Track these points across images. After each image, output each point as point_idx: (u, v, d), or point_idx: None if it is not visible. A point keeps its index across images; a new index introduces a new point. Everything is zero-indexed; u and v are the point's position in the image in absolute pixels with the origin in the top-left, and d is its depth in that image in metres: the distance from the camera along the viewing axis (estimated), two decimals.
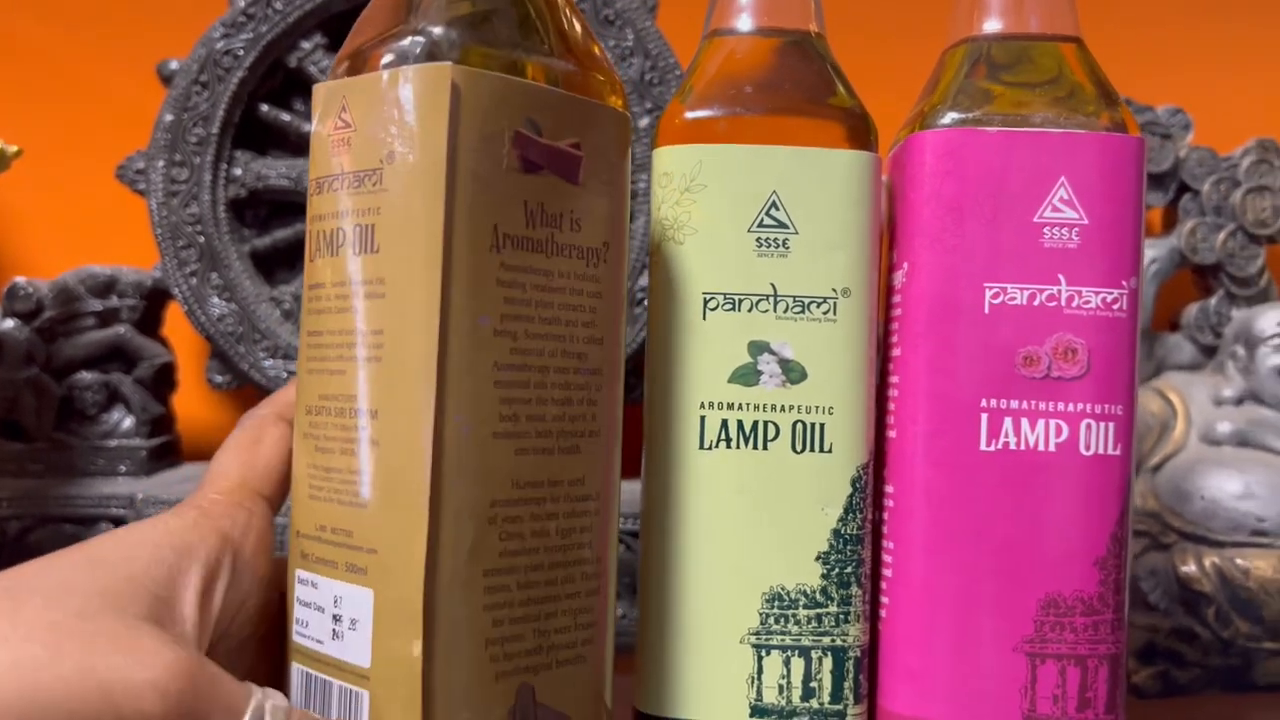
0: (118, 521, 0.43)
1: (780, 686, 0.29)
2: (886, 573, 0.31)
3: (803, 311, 0.30)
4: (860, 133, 0.31)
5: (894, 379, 0.31)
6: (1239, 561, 0.42)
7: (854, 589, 0.30)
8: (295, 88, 0.47)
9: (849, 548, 0.30)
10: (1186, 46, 0.55)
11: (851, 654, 0.30)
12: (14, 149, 0.40)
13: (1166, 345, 0.51)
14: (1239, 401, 0.47)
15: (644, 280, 0.46)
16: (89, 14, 0.53)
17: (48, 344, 0.45)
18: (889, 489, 0.31)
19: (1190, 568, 0.42)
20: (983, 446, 0.30)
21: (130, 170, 0.45)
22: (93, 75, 0.53)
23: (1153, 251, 0.50)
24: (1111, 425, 0.30)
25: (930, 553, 0.30)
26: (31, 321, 0.45)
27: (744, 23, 0.32)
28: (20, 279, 0.45)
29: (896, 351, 0.31)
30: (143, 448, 0.45)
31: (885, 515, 0.31)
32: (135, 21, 0.53)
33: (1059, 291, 0.30)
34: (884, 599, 0.31)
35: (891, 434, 0.31)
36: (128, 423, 0.45)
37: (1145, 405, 0.48)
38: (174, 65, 0.46)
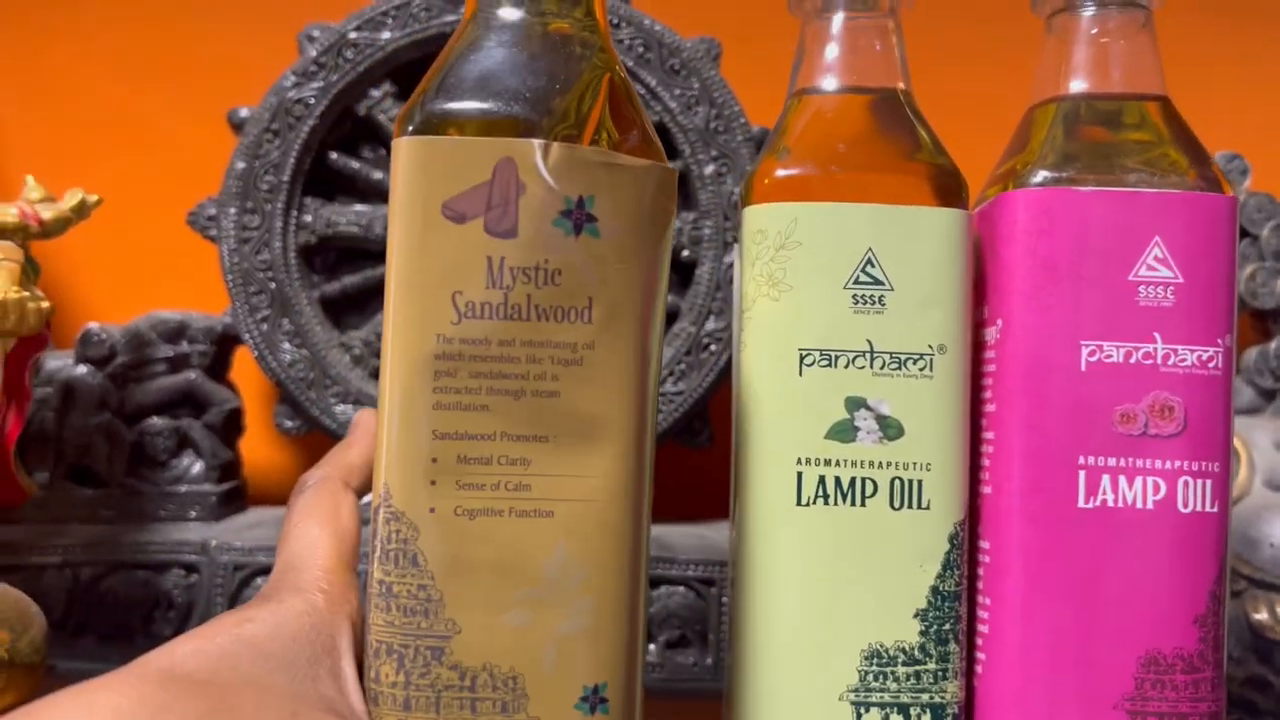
0: (189, 568, 0.43)
1: None
2: (983, 629, 0.31)
3: (899, 368, 0.30)
4: (952, 190, 0.31)
5: (988, 435, 0.31)
6: None
7: (952, 646, 0.30)
8: (364, 135, 0.48)
9: (947, 605, 0.30)
10: (1243, 93, 0.56)
11: (950, 710, 0.30)
12: (94, 198, 0.41)
13: None
14: None
15: (709, 325, 0.46)
16: (159, 64, 0.54)
17: (120, 389, 0.45)
18: (984, 545, 0.31)
19: (1263, 615, 0.42)
20: (1080, 504, 0.30)
21: (202, 217, 0.46)
22: (163, 123, 0.53)
23: None
24: (1209, 482, 0.30)
25: (1027, 610, 0.30)
26: (104, 367, 0.45)
27: (830, 82, 0.33)
28: (93, 325, 0.45)
29: (991, 408, 0.31)
30: (212, 493, 0.45)
31: (981, 571, 0.31)
32: (205, 70, 0.54)
33: (1155, 349, 0.30)
34: (980, 655, 0.31)
35: (987, 490, 0.31)
36: (198, 468, 0.45)
37: None
38: (245, 113, 0.46)
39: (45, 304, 0.35)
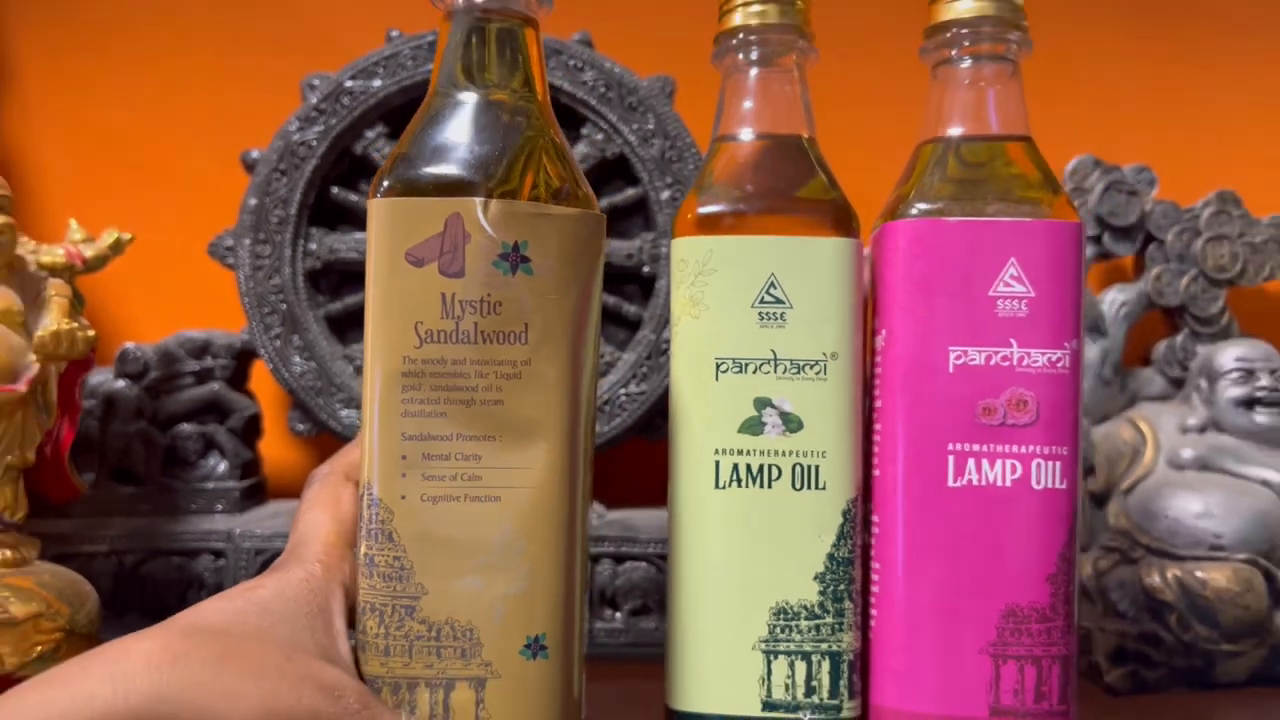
0: (217, 553, 0.49)
1: (786, 685, 0.36)
2: (875, 589, 0.37)
3: (799, 372, 0.36)
4: (843, 222, 0.37)
5: (877, 426, 0.37)
6: (1198, 574, 0.48)
7: (846, 603, 0.36)
8: (361, 171, 0.54)
9: (841, 569, 0.36)
10: (1153, 110, 0.61)
11: (846, 658, 0.36)
12: (128, 236, 0.47)
13: (1139, 379, 0.56)
14: (1202, 429, 0.53)
15: (667, 333, 0.52)
16: (180, 112, 0.61)
17: (153, 400, 0.52)
18: (875, 518, 0.37)
19: (1155, 579, 0.48)
20: (950, 483, 0.36)
21: (220, 247, 0.52)
22: (184, 165, 0.60)
23: (1124, 295, 0.56)
24: (1058, 464, 0.36)
25: (908, 572, 0.36)
26: (139, 381, 0.52)
27: (745, 132, 0.38)
28: (130, 344, 0.52)
29: (879, 403, 0.37)
30: (236, 488, 0.52)
31: (873, 540, 0.37)
32: (220, 117, 0.60)
33: (1011, 353, 0.36)
34: (873, 612, 0.37)
35: (876, 472, 0.37)
36: (222, 467, 0.52)
37: (1118, 434, 0.53)
38: (255, 155, 0.53)
39: (91, 332, 0.41)
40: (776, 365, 0.36)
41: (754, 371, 0.36)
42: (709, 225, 0.37)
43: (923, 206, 0.37)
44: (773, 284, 0.36)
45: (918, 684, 0.36)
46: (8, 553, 0.39)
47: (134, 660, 0.25)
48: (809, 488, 0.36)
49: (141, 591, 0.49)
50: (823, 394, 0.36)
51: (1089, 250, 0.56)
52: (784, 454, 0.36)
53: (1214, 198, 0.56)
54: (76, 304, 0.43)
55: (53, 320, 0.40)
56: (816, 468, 0.36)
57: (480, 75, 0.33)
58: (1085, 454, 0.51)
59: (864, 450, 0.37)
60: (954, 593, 0.35)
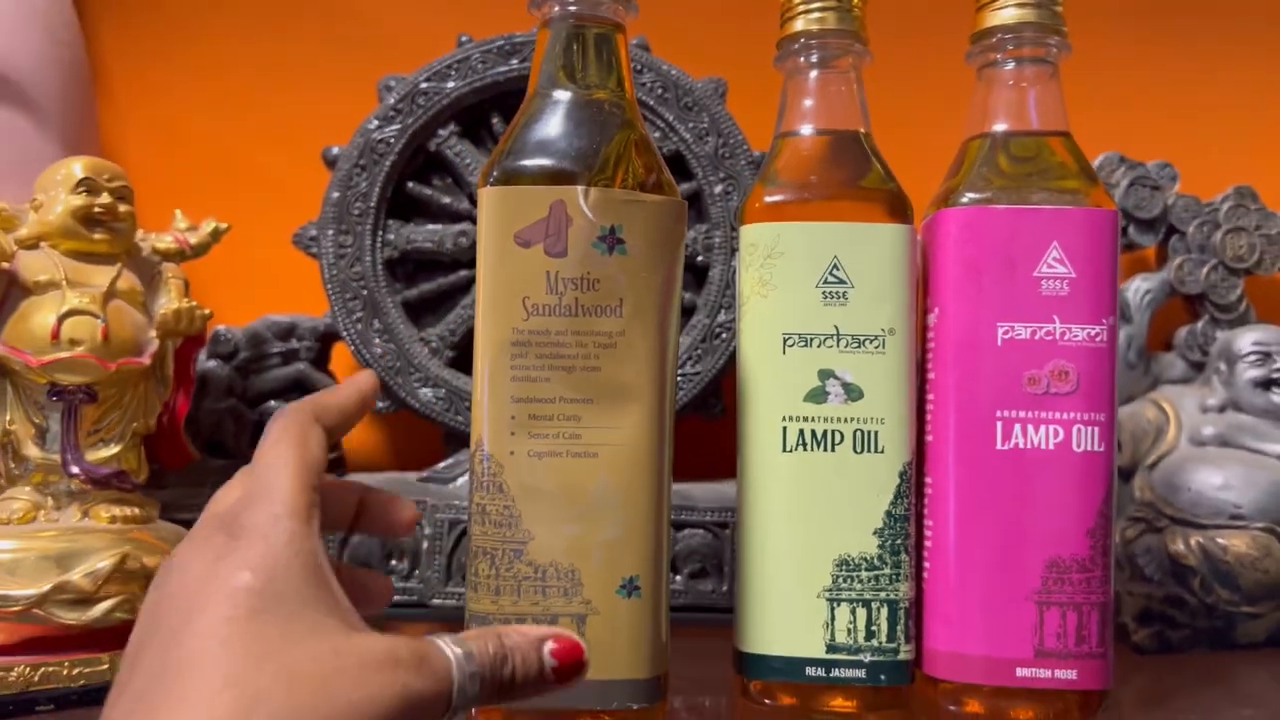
0: None
1: (848, 630, 0.39)
2: (928, 544, 0.41)
3: (859, 346, 0.40)
4: (899, 210, 0.40)
5: (930, 396, 0.41)
6: (1219, 540, 0.51)
7: (903, 555, 0.39)
8: (435, 167, 0.58)
9: (898, 524, 0.40)
10: (1175, 110, 0.65)
11: (902, 605, 0.39)
12: (225, 226, 0.51)
13: (1162, 363, 0.60)
14: (1221, 409, 0.56)
15: (720, 317, 0.56)
16: (265, 112, 0.65)
17: (243, 379, 0.55)
18: (929, 480, 0.41)
19: (1179, 546, 0.52)
20: (998, 446, 0.39)
21: (305, 238, 0.56)
22: (269, 162, 0.64)
23: (1147, 284, 0.59)
24: (1096, 429, 0.39)
25: (959, 528, 0.40)
26: (230, 362, 0.55)
27: (806, 128, 0.42)
28: (221, 327, 0.56)
29: (932, 375, 0.41)
30: None
31: (926, 500, 0.41)
32: (302, 117, 0.64)
33: (1054, 329, 0.39)
34: (926, 564, 0.41)
35: (929, 438, 0.41)
36: None
37: (1143, 413, 0.57)
38: (336, 151, 0.57)
39: (206, 310, 0.45)
40: (839, 340, 0.40)
41: (818, 345, 0.40)
42: (776, 213, 0.40)
43: (972, 195, 0.40)
44: (835, 266, 0.40)
45: (968, 629, 0.39)
46: (135, 510, 0.43)
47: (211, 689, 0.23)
48: (868, 451, 0.40)
49: None
50: (881, 366, 0.40)
51: None
52: (845, 420, 0.39)
53: (1232, 192, 0.59)
54: (186, 286, 0.47)
55: (171, 299, 0.44)
56: (875, 433, 0.40)
57: (579, 76, 0.37)
58: None
59: (917, 418, 0.41)
60: (1001, 546, 0.39)
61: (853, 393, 0.40)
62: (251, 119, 0.65)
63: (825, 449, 0.39)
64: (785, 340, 0.40)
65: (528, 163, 0.35)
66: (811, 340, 0.40)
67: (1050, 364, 0.39)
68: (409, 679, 0.25)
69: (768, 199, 0.41)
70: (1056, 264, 0.39)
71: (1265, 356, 0.56)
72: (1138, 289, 0.59)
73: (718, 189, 0.56)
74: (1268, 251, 0.59)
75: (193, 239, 0.48)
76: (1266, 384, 0.55)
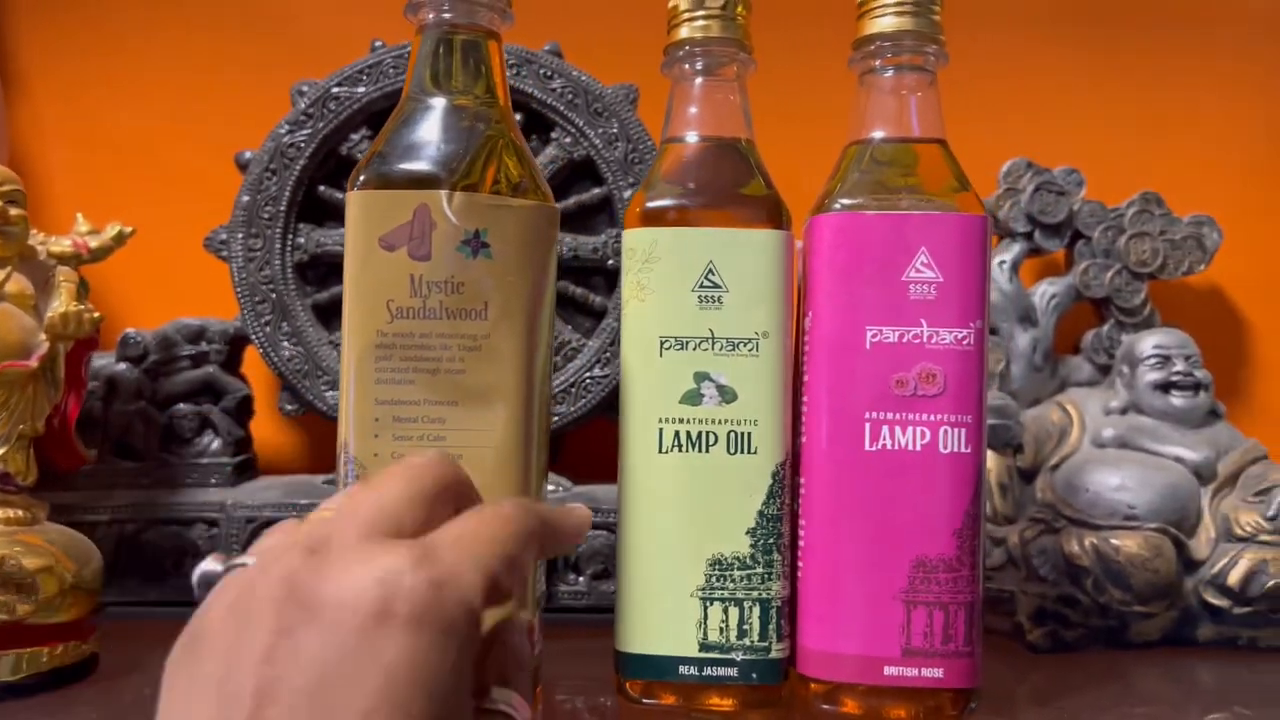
0: (211, 523, 0.54)
1: (721, 629, 0.40)
2: (802, 544, 0.41)
3: (734, 349, 0.40)
4: (775, 216, 0.41)
5: (805, 398, 0.41)
6: (1112, 540, 0.52)
7: (775, 555, 0.40)
8: (345, 171, 0.58)
9: (770, 524, 0.40)
10: (1083, 116, 0.66)
11: (774, 604, 0.40)
12: (130, 229, 0.51)
13: (1069, 366, 0.61)
14: (1123, 411, 0.57)
15: None
16: (178, 113, 0.65)
17: (152, 382, 0.56)
18: (803, 480, 0.41)
19: (1074, 546, 0.52)
20: (867, 447, 0.40)
21: (215, 241, 0.57)
22: (182, 163, 0.64)
23: (1054, 288, 0.60)
24: (963, 430, 0.40)
25: (830, 527, 0.40)
26: (139, 364, 0.56)
27: (690, 135, 0.43)
28: (130, 330, 0.56)
29: (806, 378, 0.41)
30: (229, 464, 0.56)
31: (800, 500, 0.42)
32: (215, 120, 0.64)
33: (921, 332, 0.40)
34: (800, 563, 0.41)
35: (804, 439, 0.41)
36: (216, 444, 0.56)
37: (1048, 416, 0.58)
38: (248, 155, 0.57)
39: (96, 314, 0.46)
40: (714, 343, 0.40)
41: (694, 349, 0.40)
42: (655, 218, 0.41)
43: (844, 201, 0.41)
44: (711, 270, 0.40)
45: (839, 627, 0.40)
46: (20, 512, 0.43)
47: None
48: (742, 452, 0.40)
49: (141, 557, 0.53)
50: (755, 368, 0.40)
51: (1021, 246, 0.60)
52: (720, 422, 0.40)
53: (1138, 198, 0.60)
54: (83, 289, 0.47)
55: (61, 303, 0.45)
56: (749, 434, 0.40)
57: (447, 82, 0.37)
58: (1015, 434, 0.55)
59: (792, 420, 0.42)
60: (871, 545, 0.40)
61: (727, 394, 0.40)
62: (168, 119, 0.65)
63: (700, 450, 0.40)
64: (662, 343, 0.40)
65: (393, 167, 0.36)
66: (687, 343, 0.40)
67: (917, 367, 0.40)
68: None
69: (648, 204, 0.41)
70: (925, 269, 0.40)
71: (1164, 360, 0.56)
72: (1044, 293, 0.60)
73: (628, 194, 0.57)
74: (1171, 256, 0.60)
75: (93, 242, 0.49)
76: (1165, 387, 0.56)
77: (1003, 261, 0.60)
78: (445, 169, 0.36)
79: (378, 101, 0.57)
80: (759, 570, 0.40)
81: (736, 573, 0.40)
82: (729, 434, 0.40)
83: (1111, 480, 0.54)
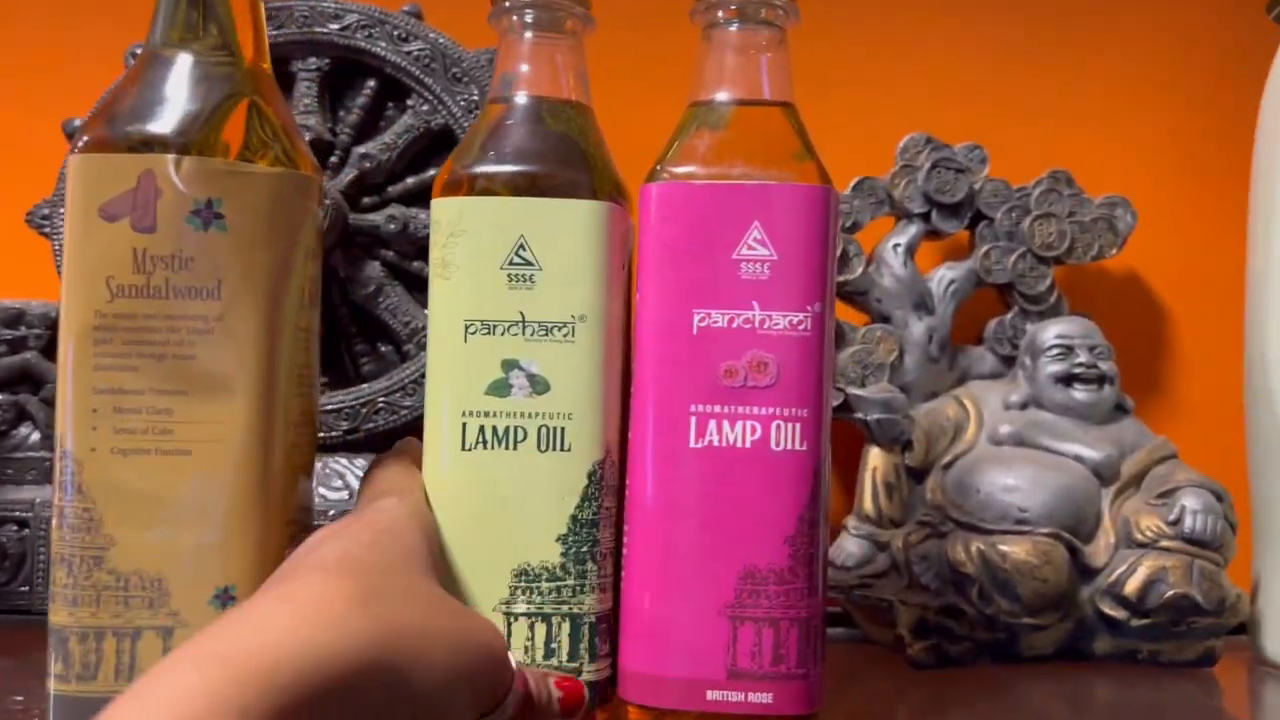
0: (21, 524, 0.49)
1: (526, 648, 0.35)
2: (625, 551, 0.37)
3: (546, 334, 0.36)
4: (602, 186, 0.36)
5: (633, 389, 0.37)
6: (1000, 546, 0.48)
7: (589, 565, 0.36)
8: None
9: (585, 530, 0.36)
10: (986, 89, 0.61)
11: (587, 619, 0.36)
12: None
13: (971, 357, 0.57)
14: (1024, 406, 0.53)
15: None
16: (2, 77, 0.60)
17: None
18: (629, 481, 0.37)
19: (959, 553, 0.48)
20: (691, 444, 0.36)
21: (37, 216, 0.52)
22: (3, 132, 0.59)
23: (952, 273, 0.56)
24: (798, 425, 0.36)
25: (653, 533, 0.36)
26: None
27: (513, 93, 0.38)
28: None
29: (635, 367, 0.37)
30: (47, 458, 0.51)
31: (625, 503, 0.37)
32: (41, 83, 0.60)
33: (753, 315, 0.36)
34: (623, 574, 0.37)
35: (630, 435, 0.37)
36: (35, 437, 0.51)
37: (943, 410, 0.53)
38: (77, 123, 0.52)
39: None
40: (525, 327, 0.36)
41: (502, 333, 0.36)
42: (462, 186, 0.37)
43: (674, 169, 0.37)
44: (522, 246, 0.36)
45: (661, 647, 0.35)
46: None
47: (333, 603, 0.24)
48: (554, 449, 0.36)
49: None
50: (570, 356, 0.36)
51: (918, 228, 0.56)
52: (530, 416, 0.36)
53: (1045, 177, 0.56)
54: None
55: None
56: (562, 429, 0.36)
57: (189, 37, 0.33)
58: (904, 429, 0.51)
59: (620, 413, 0.37)
60: (696, 555, 0.35)
61: (539, 385, 0.36)
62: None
63: (507, 446, 0.36)
64: (467, 327, 0.36)
65: (118, 129, 0.32)
66: (495, 327, 0.36)
67: (748, 354, 0.35)
68: (505, 653, 0.29)
69: (455, 170, 0.37)
70: (758, 245, 0.36)
71: (1068, 350, 0.52)
72: (942, 278, 0.56)
73: None
74: (1079, 239, 0.56)
75: None
76: (1067, 379, 0.52)
77: (897, 244, 0.55)
78: (176, 132, 0.32)
79: None
80: (570, 582, 0.36)
81: (544, 584, 0.36)
82: (540, 429, 0.36)
83: (1004, 480, 0.50)
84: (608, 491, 0.36)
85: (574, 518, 0.36)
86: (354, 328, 0.53)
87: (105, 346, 0.31)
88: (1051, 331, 0.53)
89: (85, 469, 0.31)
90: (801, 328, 0.36)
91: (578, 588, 0.36)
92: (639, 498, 0.36)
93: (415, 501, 0.33)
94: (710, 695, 0.35)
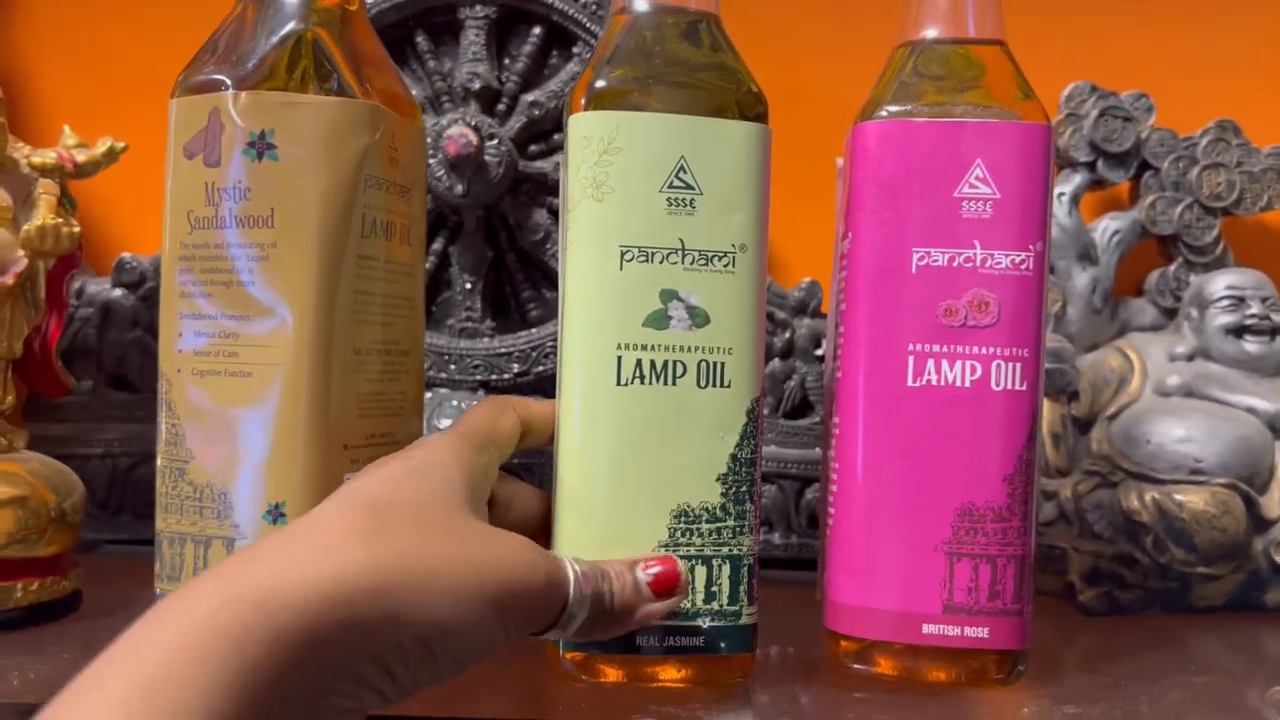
0: None
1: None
2: (833, 489, 0.37)
3: (707, 264, 0.34)
4: (752, 106, 0.35)
5: (842, 329, 0.37)
6: (1176, 496, 0.48)
7: (748, 505, 0.34)
8: None
9: (744, 470, 0.34)
10: (1154, 38, 0.60)
11: (746, 561, 0.34)
12: (122, 145, 0.48)
13: (1131, 309, 0.56)
14: (1190, 358, 0.52)
15: None
16: (180, 28, 0.61)
17: (150, 310, 0.53)
18: (836, 420, 0.37)
19: (1133, 502, 0.48)
20: (909, 383, 0.36)
21: None
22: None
23: (1116, 224, 0.55)
24: (1019, 365, 0.36)
25: (866, 471, 0.36)
26: (136, 291, 0.53)
27: (644, 3, 0.35)
28: (126, 254, 0.53)
29: (843, 307, 0.37)
30: None
31: (834, 442, 0.38)
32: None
33: (974, 255, 0.36)
34: (831, 510, 0.37)
35: (839, 374, 0.37)
36: None
37: (1106, 361, 0.53)
38: None
39: (76, 229, 0.42)
40: (684, 255, 0.34)
41: (660, 261, 0.34)
42: (615, 100, 0.34)
43: (890, 109, 0.37)
44: (683, 167, 0.34)
45: (874, 581, 0.36)
46: None
47: (338, 533, 0.25)
48: (714, 385, 0.34)
49: (135, 493, 0.51)
50: (730, 288, 0.34)
51: (1083, 178, 0.55)
52: (689, 350, 0.34)
53: (1213, 126, 0.55)
54: (67, 204, 0.44)
55: (39, 216, 0.41)
56: (722, 365, 0.34)
57: None
58: (1070, 380, 0.51)
59: (830, 354, 0.37)
60: (910, 492, 0.36)
61: (698, 317, 0.34)
62: (168, 35, 0.62)
63: (665, 382, 0.34)
64: (623, 254, 0.33)
65: (196, 73, 0.34)
66: (653, 254, 0.34)
67: (969, 294, 0.36)
68: (546, 572, 0.29)
69: (602, 83, 0.34)
70: (980, 184, 0.36)
71: (1239, 301, 0.52)
72: (1106, 229, 0.55)
73: None
74: (1249, 190, 0.55)
75: (80, 156, 0.45)
76: (1239, 331, 0.51)
77: (1061, 194, 0.55)
78: (238, 68, 0.34)
79: (388, 14, 0.53)
80: (730, 523, 0.34)
81: (705, 526, 0.34)
82: (700, 364, 0.34)
83: (1176, 431, 0.49)
84: (760, 430, 0.35)
85: (734, 457, 0.34)
86: (521, 274, 0.54)
87: (188, 275, 0.34)
88: (1221, 282, 0.52)
89: (174, 388, 0.34)
90: (1024, 267, 0.36)
91: (738, 529, 0.34)
92: (850, 436, 0.37)
93: (470, 437, 0.32)
94: (926, 628, 0.35)
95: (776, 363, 0.53)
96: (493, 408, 0.34)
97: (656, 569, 0.32)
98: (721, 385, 0.34)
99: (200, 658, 0.21)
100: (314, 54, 0.34)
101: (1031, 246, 0.36)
